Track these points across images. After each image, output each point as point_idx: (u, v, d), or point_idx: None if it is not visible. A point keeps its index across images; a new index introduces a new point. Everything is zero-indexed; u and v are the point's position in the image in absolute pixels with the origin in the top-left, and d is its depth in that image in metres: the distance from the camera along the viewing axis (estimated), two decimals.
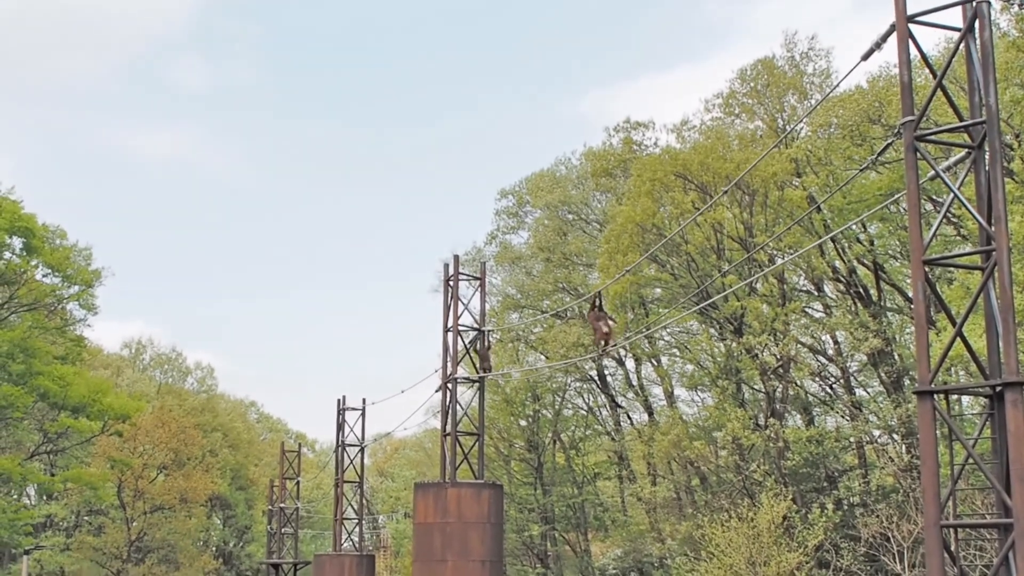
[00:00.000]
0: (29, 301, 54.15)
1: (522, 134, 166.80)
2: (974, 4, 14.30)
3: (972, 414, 30.41)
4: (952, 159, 15.33)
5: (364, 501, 50.99)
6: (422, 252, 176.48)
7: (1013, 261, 13.61)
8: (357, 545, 47.56)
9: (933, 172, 14.64)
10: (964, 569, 14.31)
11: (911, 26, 14.84)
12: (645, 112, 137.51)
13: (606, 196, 55.41)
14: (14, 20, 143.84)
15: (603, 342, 27.88)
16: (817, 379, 44.70)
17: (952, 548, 14.21)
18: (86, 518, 76.18)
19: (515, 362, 55.69)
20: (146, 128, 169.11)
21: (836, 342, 43.65)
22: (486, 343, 30.95)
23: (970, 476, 26.76)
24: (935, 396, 14.00)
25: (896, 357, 40.30)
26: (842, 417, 43.59)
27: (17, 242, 52.56)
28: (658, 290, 48.49)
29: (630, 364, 55.31)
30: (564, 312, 51.50)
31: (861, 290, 41.85)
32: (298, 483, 59.47)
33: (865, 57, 15.83)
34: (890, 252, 42.08)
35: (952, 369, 32.65)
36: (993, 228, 13.78)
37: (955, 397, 17.68)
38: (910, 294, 38.66)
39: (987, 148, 14.12)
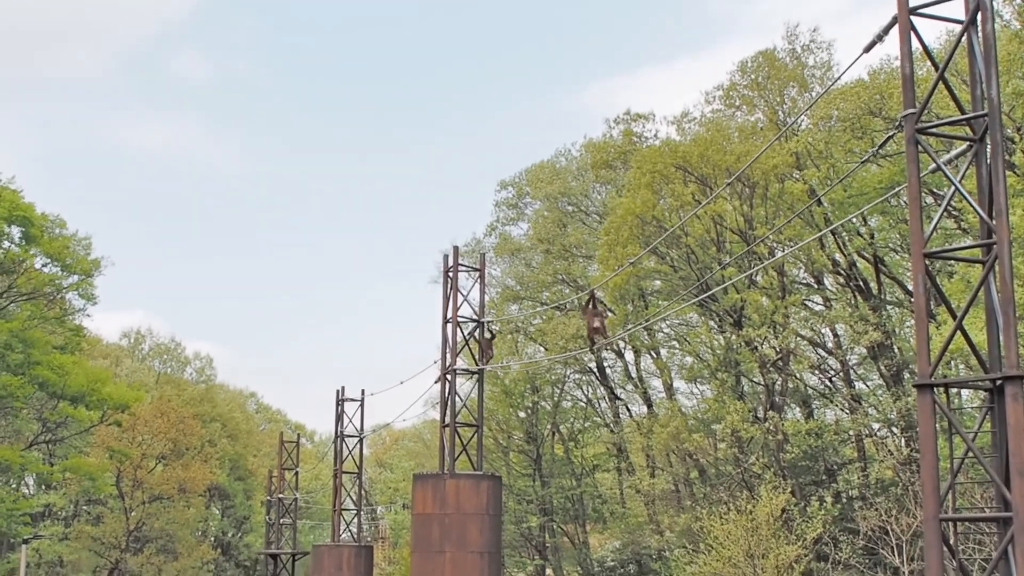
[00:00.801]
0: (28, 291, 54.07)
1: (523, 125, 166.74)
2: None
3: (972, 408, 30.43)
4: (954, 152, 15.27)
5: (363, 492, 51.00)
6: (422, 243, 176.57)
7: (1014, 255, 13.55)
8: (355, 536, 47.61)
9: (934, 165, 14.58)
10: (963, 563, 14.28)
11: (913, 18, 14.77)
12: (646, 104, 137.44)
13: (606, 188, 55.33)
14: (15, 10, 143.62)
15: (594, 339, 28.28)
16: (816, 372, 44.68)
17: (951, 541, 14.18)
18: (85, 508, 76.21)
19: (514, 354, 55.64)
20: (146, 119, 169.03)
21: (836, 335, 43.62)
22: (488, 334, 30.95)
23: (969, 470, 26.73)
24: (935, 389, 13.96)
25: (896, 350, 40.26)
26: (841, 410, 43.58)
27: (16, 231, 52.50)
28: (657, 282, 48.45)
29: (629, 356, 55.30)
30: (563, 304, 51.46)
31: (861, 283, 41.79)
32: (297, 474, 59.49)
33: (867, 49, 15.76)
34: (890, 245, 42.01)
35: (952, 363, 32.64)
36: (994, 221, 13.73)
37: (955, 391, 17.64)
38: (910, 287, 38.62)
39: (989, 141, 14.06)
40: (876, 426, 41.60)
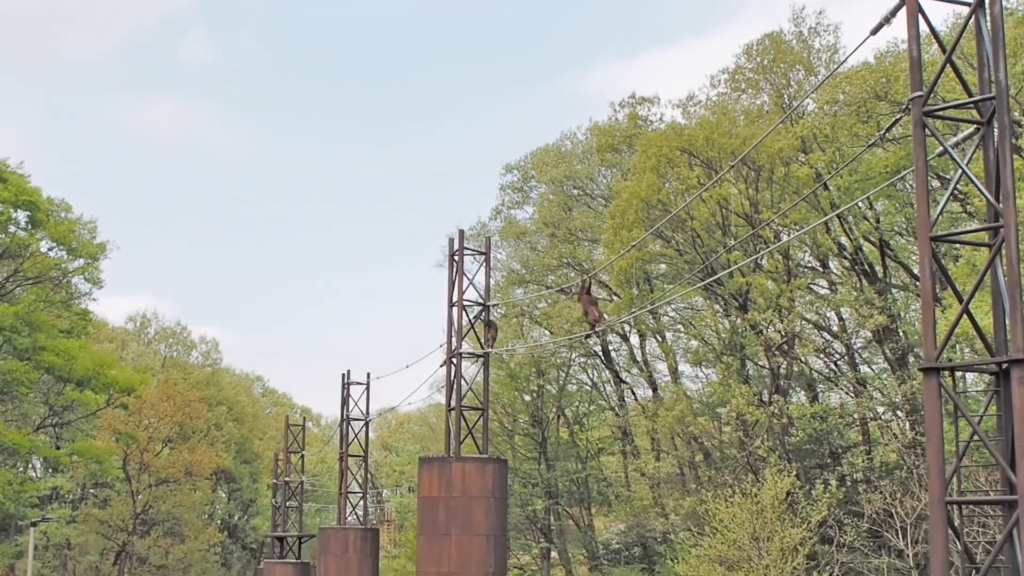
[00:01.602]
0: (34, 275, 54.23)
1: (528, 109, 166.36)
2: None
3: (977, 391, 30.45)
4: (961, 135, 15.22)
5: (368, 475, 51.14)
6: (428, 229, 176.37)
7: (1021, 238, 13.54)
8: (361, 519, 47.72)
9: (941, 148, 14.54)
10: (968, 545, 14.32)
11: (920, 0, 14.71)
12: (651, 87, 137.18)
13: (611, 171, 55.26)
14: None
15: (591, 324, 28.48)
16: (822, 356, 44.68)
17: (956, 524, 14.22)
18: (92, 491, 76.55)
19: (519, 337, 55.67)
20: (153, 103, 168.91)
21: (841, 319, 43.59)
22: (490, 315, 30.97)
23: (974, 453, 26.77)
24: (940, 373, 13.97)
25: (901, 334, 40.25)
26: (846, 394, 43.59)
27: (22, 216, 52.59)
28: (663, 266, 48.43)
29: (634, 340, 55.37)
30: (569, 287, 51.47)
31: (867, 267, 41.74)
32: (303, 457, 59.58)
33: (874, 32, 15.70)
34: (896, 229, 41.94)
35: (957, 347, 32.61)
36: (1001, 205, 13.70)
37: (960, 374, 17.66)
38: (916, 271, 38.58)
39: (996, 124, 14.02)
40: (881, 409, 41.63)
